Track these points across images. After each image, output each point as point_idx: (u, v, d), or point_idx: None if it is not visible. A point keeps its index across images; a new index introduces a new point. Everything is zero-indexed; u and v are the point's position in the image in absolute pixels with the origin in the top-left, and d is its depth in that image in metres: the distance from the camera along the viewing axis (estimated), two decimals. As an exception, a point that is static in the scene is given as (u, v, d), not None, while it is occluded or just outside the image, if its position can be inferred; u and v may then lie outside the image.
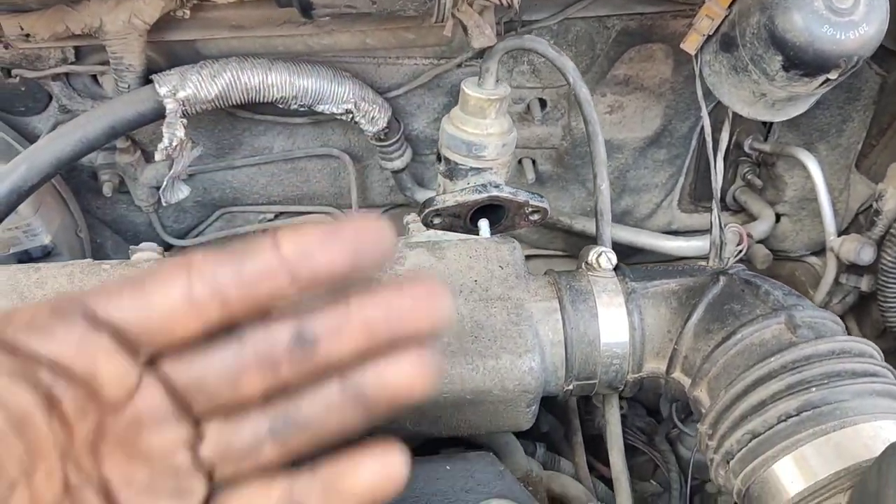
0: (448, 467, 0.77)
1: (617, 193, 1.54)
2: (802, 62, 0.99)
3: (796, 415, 0.70)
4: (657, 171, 1.52)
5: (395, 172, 1.42)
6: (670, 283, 0.87)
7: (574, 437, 1.32)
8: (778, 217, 1.58)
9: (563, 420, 1.44)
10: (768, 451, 0.70)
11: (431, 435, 0.87)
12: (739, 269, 0.87)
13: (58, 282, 0.86)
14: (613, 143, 1.43)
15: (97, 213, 1.50)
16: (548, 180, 1.52)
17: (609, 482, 1.08)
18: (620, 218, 1.58)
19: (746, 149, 1.49)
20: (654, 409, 1.60)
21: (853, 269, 1.44)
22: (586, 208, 1.56)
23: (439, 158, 1.07)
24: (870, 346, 0.75)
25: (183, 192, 1.28)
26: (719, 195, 1.27)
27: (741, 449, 0.72)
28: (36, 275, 0.86)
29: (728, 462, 0.74)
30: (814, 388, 0.70)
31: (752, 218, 1.55)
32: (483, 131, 1.02)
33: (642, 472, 1.53)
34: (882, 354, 0.76)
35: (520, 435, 1.15)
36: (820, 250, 1.59)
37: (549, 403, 1.50)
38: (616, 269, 0.90)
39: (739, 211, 1.61)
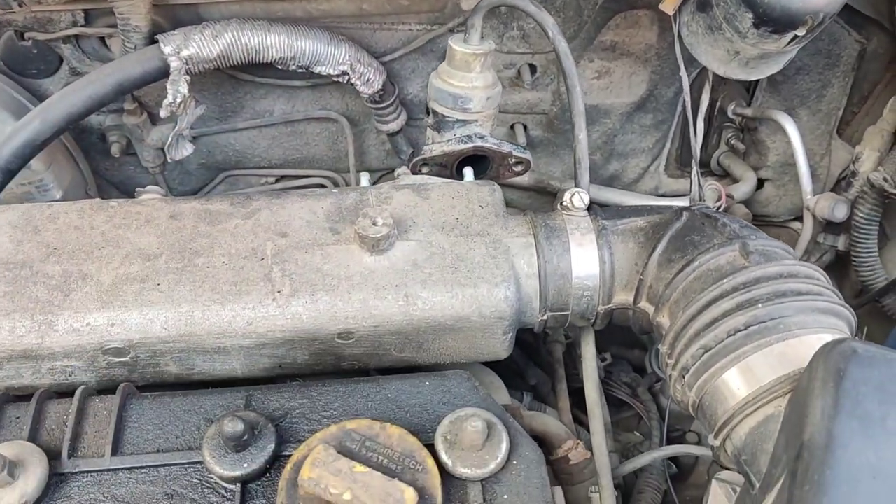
0: (427, 383, 0.84)
1: (605, 158, 1.60)
2: (771, 19, 1.04)
3: (744, 329, 0.76)
4: (644, 136, 1.58)
5: (391, 135, 1.48)
6: (638, 221, 0.94)
7: (559, 384, 1.38)
8: (761, 183, 1.63)
9: (550, 374, 1.51)
10: (718, 362, 0.76)
11: (415, 362, 0.93)
12: (702, 206, 0.92)
13: (69, 217, 0.93)
14: (601, 108, 1.49)
15: (105, 174, 1.56)
16: (539, 145, 1.58)
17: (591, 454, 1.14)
18: (608, 182, 1.64)
19: (730, 114, 1.54)
20: (639, 366, 1.66)
21: (830, 228, 1.49)
22: (575, 173, 1.62)
23: (428, 112, 1.14)
24: (816, 270, 0.81)
25: (187, 149, 1.35)
26: (699, 154, 1.33)
27: (695, 363, 0.78)
28: (49, 210, 0.93)
29: (684, 377, 0.80)
30: (760, 305, 0.76)
31: (735, 182, 1.60)
32: (469, 84, 1.08)
33: (627, 425, 1.60)
34: (828, 279, 0.82)
35: (509, 386, 1.22)
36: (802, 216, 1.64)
37: (537, 357, 1.56)
38: (588, 209, 0.96)
39: (724, 176, 1.66)
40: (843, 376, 0.61)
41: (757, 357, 0.74)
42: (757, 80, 1.53)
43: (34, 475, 0.73)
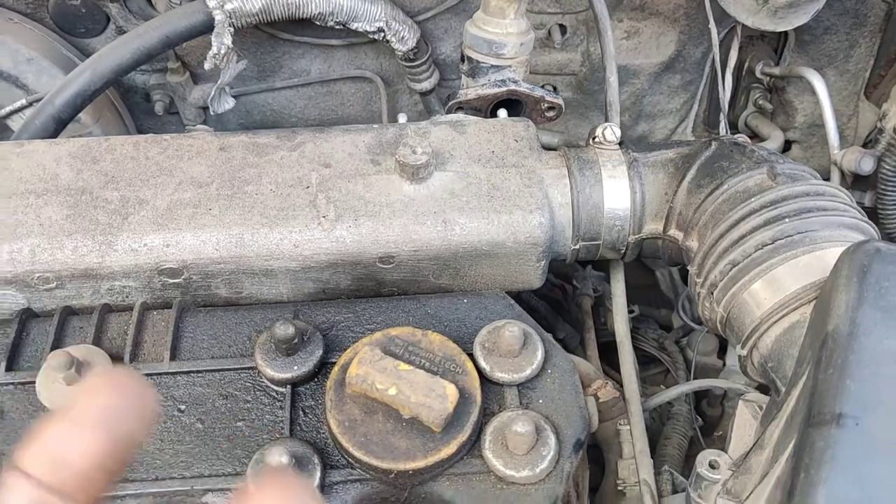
0: (465, 300, 0.88)
1: (633, 119, 1.63)
2: (800, -36, 1.07)
3: (771, 243, 0.79)
4: (672, 97, 1.61)
5: (423, 95, 1.52)
6: (668, 153, 0.97)
7: (587, 334, 1.42)
8: (789, 144, 1.65)
9: (578, 328, 1.54)
10: (746, 276, 0.79)
11: (451, 289, 0.97)
12: (730, 136, 0.95)
13: (125, 148, 0.98)
14: (629, 68, 1.52)
15: (148, 132, 1.62)
16: (568, 106, 1.61)
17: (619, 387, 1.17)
18: (636, 144, 1.66)
19: (758, 74, 1.57)
20: (666, 325, 1.69)
21: (857, 184, 1.51)
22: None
23: (463, 59, 1.18)
24: (841, 190, 0.84)
25: (229, 102, 1.40)
26: (727, 107, 1.36)
27: (723, 278, 0.82)
28: (106, 143, 0.98)
29: (712, 293, 0.83)
30: (787, 220, 0.79)
31: (763, 142, 1.63)
32: (503, 31, 1.12)
33: (655, 380, 1.63)
34: (852, 198, 0.85)
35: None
36: (829, 178, 1.65)
37: (565, 314, 1.60)
38: (620, 143, 1.00)
39: (752, 137, 1.68)
40: (866, 272, 0.64)
41: (783, 269, 0.77)
42: (785, 40, 1.55)
43: (99, 374, 0.78)
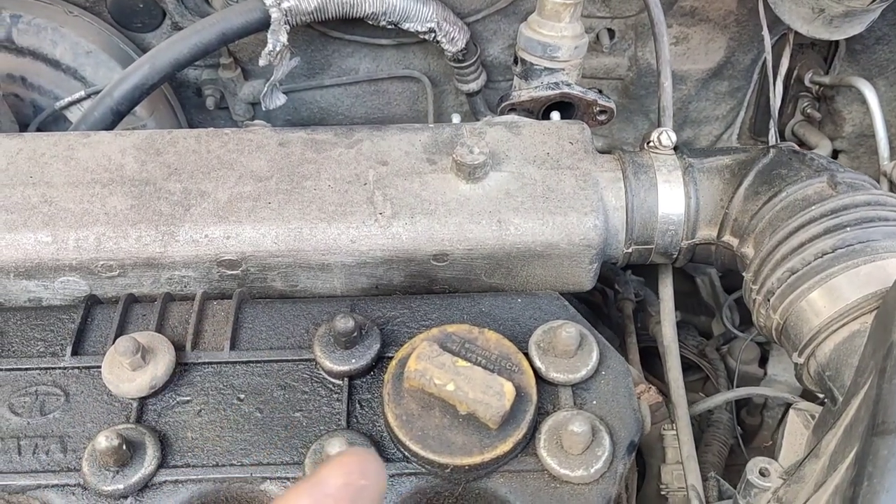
0: (519, 300, 0.89)
1: (678, 125, 1.63)
2: (858, -27, 1.06)
3: (832, 252, 0.79)
4: (718, 104, 1.60)
5: (470, 96, 1.53)
6: (724, 159, 0.97)
7: (629, 338, 1.41)
8: (836, 154, 1.64)
9: (619, 332, 1.54)
10: (805, 283, 0.79)
11: (502, 289, 0.98)
12: (787, 144, 0.95)
13: (188, 142, 1.00)
14: (677, 74, 1.51)
15: (199, 126, 1.64)
16: (614, 111, 1.61)
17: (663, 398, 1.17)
18: (689, 149, 1.66)
19: (807, 82, 1.56)
20: (706, 332, 1.68)
21: (907, 196, 1.49)
22: (649, 139, 1.65)
23: (516, 61, 1.18)
24: (902, 201, 0.84)
25: (280, 99, 1.42)
26: (777, 114, 1.35)
27: (780, 286, 0.82)
28: (169, 136, 1.01)
29: (769, 300, 0.83)
30: (848, 229, 0.79)
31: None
32: (558, 34, 1.13)
33: (693, 388, 1.62)
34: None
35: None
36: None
37: (605, 319, 1.60)
38: (675, 148, 1.00)
39: (800, 145, 1.67)
40: (933, 282, 0.64)
41: (843, 278, 0.77)
42: (835, 50, 1.54)
43: (163, 361, 0.80)
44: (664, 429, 1.11)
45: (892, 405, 0.61)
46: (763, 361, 1.53)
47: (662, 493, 1.09)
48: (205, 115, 1.61)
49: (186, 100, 1.59)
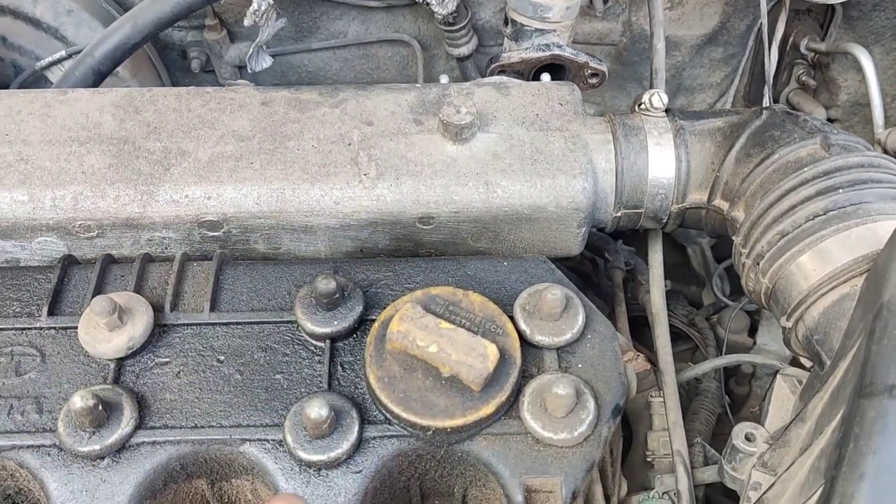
0: (505, 263, 0.87)
1: (672, 92, 1.60)
2: (855, -67, 1.04)
3: (823, 214, 0.77)
4: (713, 71, 1.58)
5: (461, 60, 1.50)
6: (716, 121, 0.95)
7: (618, 307, 1.40)
8: (830, 122, 1.62)
9: (609, 301, 1.53)
10: (795, 246, 0.78)
11: (490, 252, 0.96)
12: (782, 107, 0.93)
13: (168, 100, 0.98)
14: (671, 39, 1.49)
15: (184, 90, 1.62)
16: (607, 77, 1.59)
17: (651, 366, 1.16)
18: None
19: (803, 49, 1.53)
20: (696, 301, 1.67)
21: (901, 165, 1.48)
22: (642, 106, 1.63)
23: (506, 22, 1.16)
24: (895, 162, 0.83)
25: (266, 61, 1.39)
26: (772, 78, 1.33)
27: (770, 249, 0.80)
28: (149, 94, 0.98)
29: (758, 264, 0.82)
30: (841, 191, 0.77)
31: (804, 119, 1.59)
32: (549, -7, 1.10)
33: (683, 358, 1.62)
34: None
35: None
36: (871, 156, 1.62)
37: (595, 286, 1.59)
38: (667, 110, 0.98)
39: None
40: (925, 244, 0.63)
41: (834, 241, 0.76)
42: (832, 17, 1.52)
43: (141, 322, 0.79)
44: (651, 396, 1.10)
45: (881, 366, 0.60)
46: (753, 331, 1.53)
47: (648, 459, 1.08)
48: (190, 79, 1.58)
49: (171, 62, 1.56)
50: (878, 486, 0.57)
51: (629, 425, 1.20)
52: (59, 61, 1.35)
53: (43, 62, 1.35)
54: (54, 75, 1.36)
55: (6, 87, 1.36)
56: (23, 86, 1.36)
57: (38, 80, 1.37)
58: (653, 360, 1.15)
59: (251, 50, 1.37)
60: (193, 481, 0.77)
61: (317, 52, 1.55)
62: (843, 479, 0.58)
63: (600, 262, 1.57)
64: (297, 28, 1.51)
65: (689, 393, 1.43)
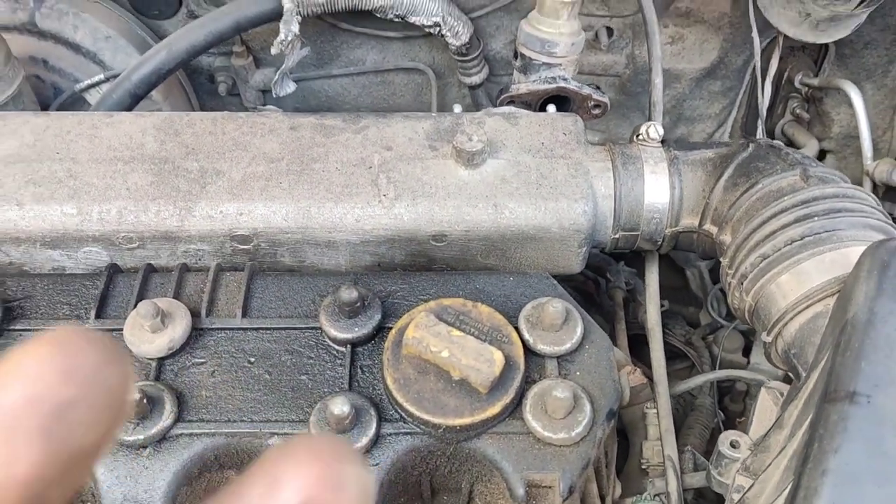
0: (511, 278, 0.95)
1: (672, 122, 1.69)
2: (842, -20, 1.13)
3: (800, 240, 0.85)
4: (712, 102, 1.66)
5: (472, 88, 1.59)
6: (707, 152, 1.03)
7: (618, 325, 1.48)
8: (823, 154, 1.70)
9: (609, 319, 1.61)
10: (774, 268, 0.86)
11: (497, 268, 1.04)
12: (767, 140, 1.02)
13: (204, 123, 1.06)
14: (672, 72, 1.58)
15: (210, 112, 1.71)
16: (609, 107, 1.67)
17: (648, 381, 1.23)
18: (677, 143, 1.72)
19: (797, 83, 1.62)
20: (694, 322, 1.75)
21: (889, 195, 1.56)
22: (643, 134, 1.71)
23: (516, 56, 1.25)
24: (868, 195, 0.90)
25: (290, 86, 1.48)
26: (765, 112, 1.41)
27: (753, 270, 0.88)
28: (187, 117, 1.07)
29: (742, 283, 0.90)
30: (816, 219, 0.85)
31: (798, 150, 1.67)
32: (556, 31, 1.19)
33: (680, 376, 1.69)
34: (879, 203, 0.91)
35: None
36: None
37: (597, 305, 1.66)
38: (662, 141, 1.06)
39: (788, 144, 1.73)
40: (886, 267, 0.71)
41: (810, 264, 0.84)
42: (825, 53, 1.60)
43: (180, 325, 0.87)
44: (647, 408, 1.17)
45: (843, 375, 0.67)
46: (747, 351, 1.60)
47: (643, 467, 1.15)
48: (216, 101, 1.68)
49: (199, 86, 1.66)
50: (838, 482, 0.64)
51: (626, 436, 1.27)
52: (97, 84, 1.44)
53: (82, 84, 1.44)
54: (92, 97, 1.45)
55: (46, 107, 1.45)
56: (62, 107, 1.45)
57: (76, 102, 1.46)
58: (650, 375, 1.22)
59: (276, 76, 1.46)
60: (224, 472, 0.84)
61: (336, 78, 1.65)
62: (808, 475, 0.66)
63: (602, 283, 1.65)
64: (318, 55, 1.60)
65: (684, 409, 1.50)
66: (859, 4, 1.16)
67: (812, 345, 0.80)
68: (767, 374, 1.38)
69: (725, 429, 1.55)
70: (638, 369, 1.25)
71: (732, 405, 1.59)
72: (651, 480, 1.00)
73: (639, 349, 1.56)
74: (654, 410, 1.15)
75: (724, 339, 1.43)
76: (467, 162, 1.00)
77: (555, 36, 1.19)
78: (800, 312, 0.83)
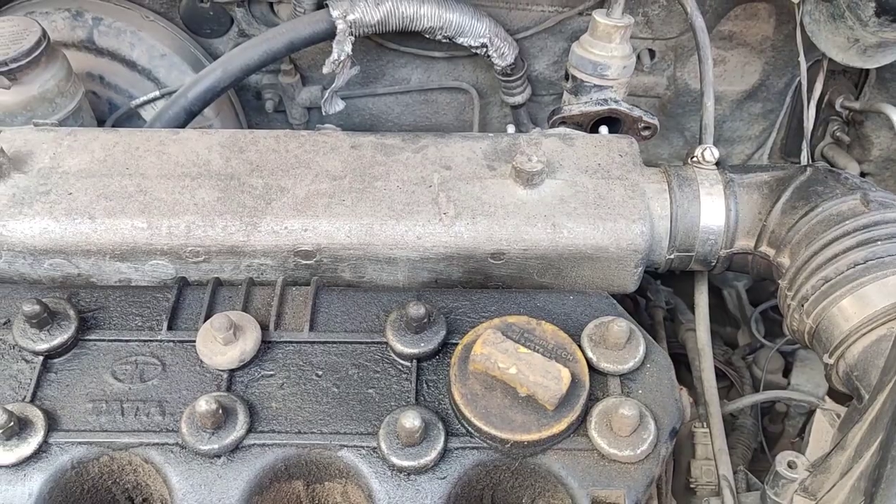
0: (571, 297, 0.97)
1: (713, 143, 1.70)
2: (892, 8, 1.14)
3: (863, 263, 0.86)
4: (752, 124, 1.68)
5: (515, 108, 1.61)
6: (763, 175, 1.05)
7: (660, 343, 1.49)
8: (863, 176, 1.71)
9: (651, 334, 1.62)
10: (837, 291, 0.87)
11: (552, 287, 1.06)
12: (823, 164, 1.03)
13: (268, 141, 1.09)
14: (714, 94, 1.59)
15: (257, 128, 1.74)
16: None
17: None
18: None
19: (838, 107, 1.63)
20: (731, 342, 1.75)
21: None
22: (682, 155, 1.73)
23: (567, 77, 1.27)
24: (929, 220, 0.92)
25: (339, 105, 1.51)
26: (810, 134, 1.42)
27: (814, 293, 0.89)
28: (251, 135, 1.10)
29: (803, 306, 0.91)
30: (879, 243, 0.86)
31: (837, 172, 1.68)
32: (608, 54, 1.21)
33: (720, 395, 1.69)
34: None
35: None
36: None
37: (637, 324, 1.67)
38: (717, 163, 1.08)
39: (827, 167, 1.74)
40: (956, 291, 0.72)
41: (872, 287, 0.85)
42: (866, 77, 1.61)
43: (251, 338, 0.89)
44: (694, 427, 1.18)
45: (916, 398, 0.68)
46: (786, 372, 1.60)
47: (691, 486, 1.16)
48: (262, 118, 1.71)
49: (246, 102, 1.69)
50: (913, 502, 0.65)
51: (672, 454, 1.28)
52: (152, 100, 1.47)
53: (137, 101, 1.47)
54: (147, 113, 1.48)
55: (102, 122, 1.49)
56: (117, 122, 1.49)
57: (131, 118, 1.50)
58: (692, 394, 1.23)
59: (326, 94, 1.49)
60: (293, 482, 0.86)
61: (381, 96, 1.67)
62: (882, 495, 0.67)
63: (641, 302, 1.66)
64: (364, 74, 1.63)
65: (725, 429, 1.50)
66: (909, 31, 1.17)
67: (876, 367, 0.81)
68: (812, 396, 1.38)
69: (768, 449, 1.56)
70: (683, 389, 1.26)
71: (771, 426, 1.59)
72: (707, 499, 1.01)
73: (677, 370, 1.57)
74: (703, 429, 1.15)
75: (767, 361, 1.44)
76: (526, 182, 1.02)
77: (607, 59, 1.21)
78: (863, 335, 0.84)
